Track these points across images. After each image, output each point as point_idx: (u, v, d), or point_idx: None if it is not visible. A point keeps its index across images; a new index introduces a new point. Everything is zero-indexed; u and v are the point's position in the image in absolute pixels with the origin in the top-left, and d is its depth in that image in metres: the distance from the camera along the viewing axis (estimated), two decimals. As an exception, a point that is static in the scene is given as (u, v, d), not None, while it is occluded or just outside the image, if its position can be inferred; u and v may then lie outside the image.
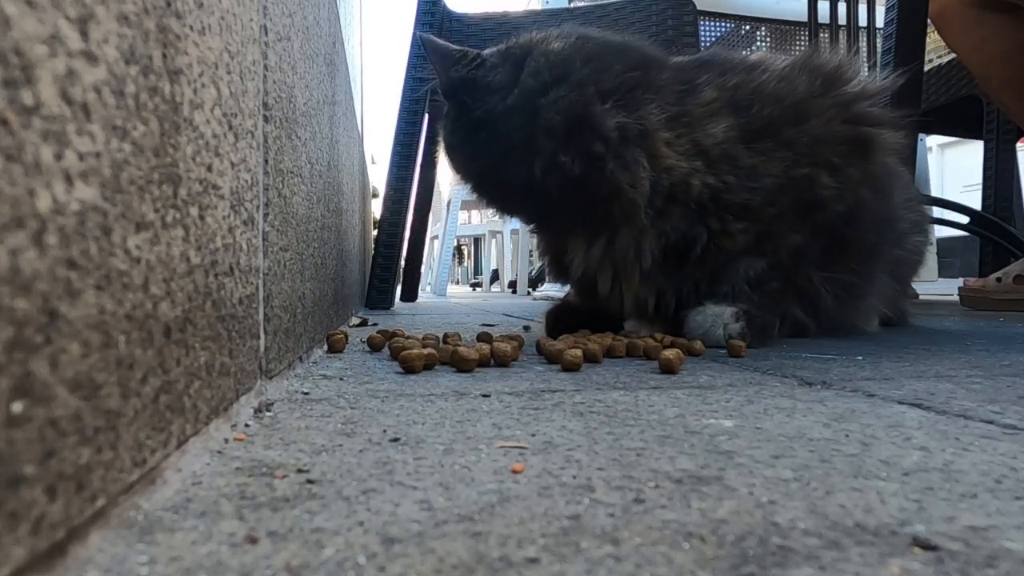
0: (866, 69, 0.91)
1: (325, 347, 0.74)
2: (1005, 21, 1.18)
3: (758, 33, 2.44)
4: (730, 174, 0.78)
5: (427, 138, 1.92)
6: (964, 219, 2.02)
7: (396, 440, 0.33)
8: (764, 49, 2.34)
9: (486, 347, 0.62)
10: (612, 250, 0.82)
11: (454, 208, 4.11)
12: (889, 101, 0.93)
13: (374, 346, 0.75)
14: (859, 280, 0.88)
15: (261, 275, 0.42)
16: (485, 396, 0.46)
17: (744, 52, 1.03)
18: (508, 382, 0.52)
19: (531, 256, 3.88)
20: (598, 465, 0.29)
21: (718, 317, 0.77)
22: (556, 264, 0.92)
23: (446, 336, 0.79)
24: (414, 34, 1.78)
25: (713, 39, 2.28)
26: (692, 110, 0.79)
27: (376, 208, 2.23)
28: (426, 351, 0.59)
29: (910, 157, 1.46)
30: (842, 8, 1.92)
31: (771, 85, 0.81)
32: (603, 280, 0.85)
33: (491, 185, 0.87)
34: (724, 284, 0.81)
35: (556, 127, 0.76)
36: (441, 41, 0.84)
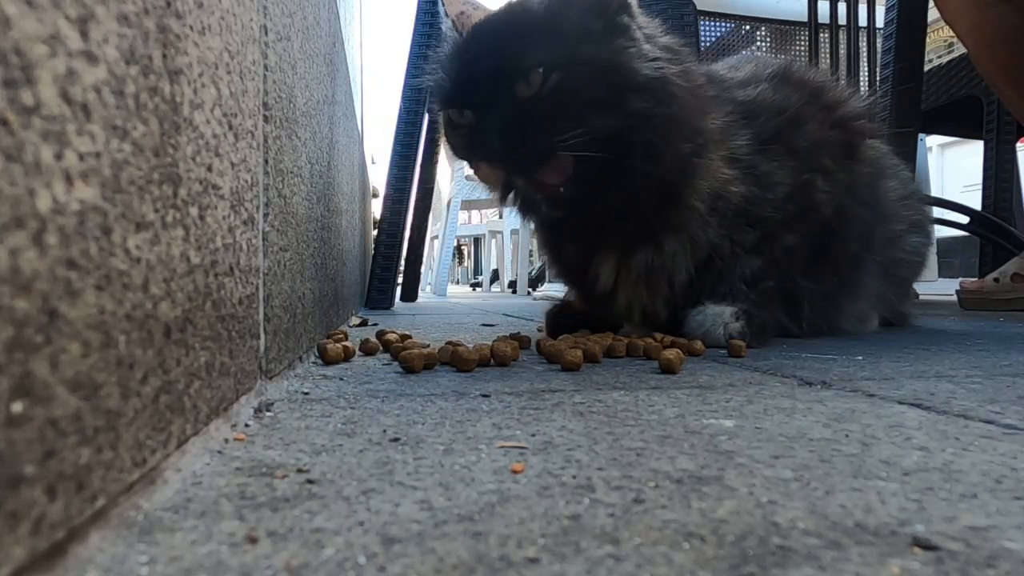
0: (845, 85, 0.96)
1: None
2: (1002, 6, 1.18)
3: (758, 33, 2.44)
4: (754, 185, 0.79)
5: (427, 138, 1.92)
6: (964, 219, 2.02)
7: (396, 440, 0.33)
8: (764, 50, 2.33)
9: (486, 347, 0.62)
10: (660, 258, 0.79)
11: (454, 208, 4.11)
12: (890, 103, 0.96)
13: (367, 351, 0.71)
14: (840, 288, 0.90)
15: (261, 275, 0.42)
16: (485, 396, 0.46)
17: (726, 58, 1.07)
18: (508, 382, 0.52)
19: (531, 256, 3.88)
20: (598, 465, 0.29)
21: (718, 317, 0.77)
22: (576, 277, 0.87)
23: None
24: (414, 34, 1.78)
25: (713, 39, 2.28)
26: (722, 119, 0.81)
27: (376, 208, 2.23)
28: (426, 351, 0.59)
29: (910, 156, 1.46)
30: (842, 8, 1.91)
31: (770, 98, 0.84)
32: (624, 294, 0.83)
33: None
34: (722, 284, 0.81)
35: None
36: None
